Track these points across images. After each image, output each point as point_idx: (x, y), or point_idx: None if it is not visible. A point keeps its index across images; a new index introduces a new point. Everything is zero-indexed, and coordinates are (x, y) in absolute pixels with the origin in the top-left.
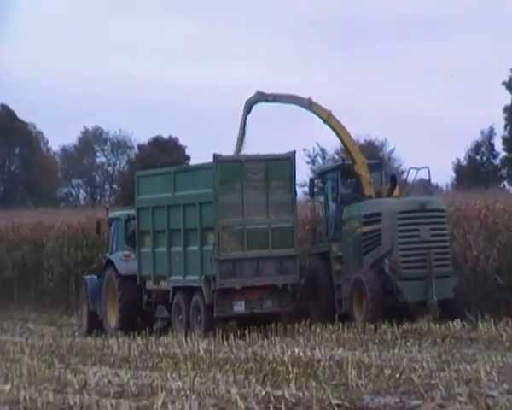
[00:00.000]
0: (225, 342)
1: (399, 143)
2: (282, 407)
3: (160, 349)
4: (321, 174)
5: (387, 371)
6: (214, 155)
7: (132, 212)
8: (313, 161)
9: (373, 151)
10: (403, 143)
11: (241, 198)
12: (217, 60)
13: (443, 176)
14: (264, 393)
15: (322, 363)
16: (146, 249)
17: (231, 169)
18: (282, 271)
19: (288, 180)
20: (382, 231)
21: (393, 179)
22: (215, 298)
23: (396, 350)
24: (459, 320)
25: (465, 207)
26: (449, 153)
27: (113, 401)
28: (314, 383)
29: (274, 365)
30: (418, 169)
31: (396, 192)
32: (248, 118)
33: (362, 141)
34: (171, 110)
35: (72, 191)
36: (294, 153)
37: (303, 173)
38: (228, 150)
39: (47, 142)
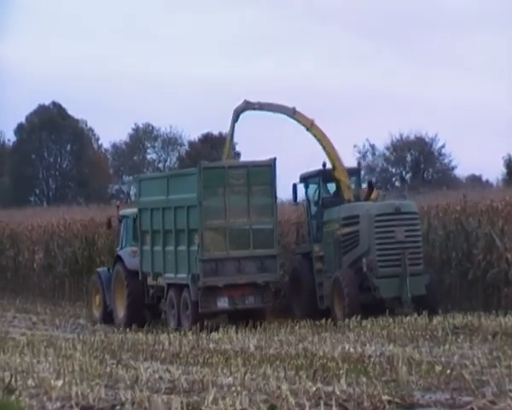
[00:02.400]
0: (276, 338)
1: (450, 138)
2: (333, 402)
3: (211, 345)
4: (304, 179)
5: (438, 368)
6: (198, 162)
7: None
8: (363, 157)
9: (423, 147)
10: (454, 138)
11: (223, 202)
12: (269, 56)
13: (494, 171)
14: (314, 389)
15: (372, 359)
16: (146, 247)
17: (214, 175)
18: (263, 269)
19: (268, 185)
20: (360, 233)
21: (370, 184)
22: (200, 295)
23: (447, 346)
24: (511, 316)
25: None
26: (500, 148)
27: (165, 397)
28: (365, 379)
29: (324, 361)
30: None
31: (373, 196)
32: (236, 125)
33: (412, 136)
34: (222, 107)
35: (124, 188)
36: (275, 159)
37: None
38: (279, 146)
39: (98, 139)
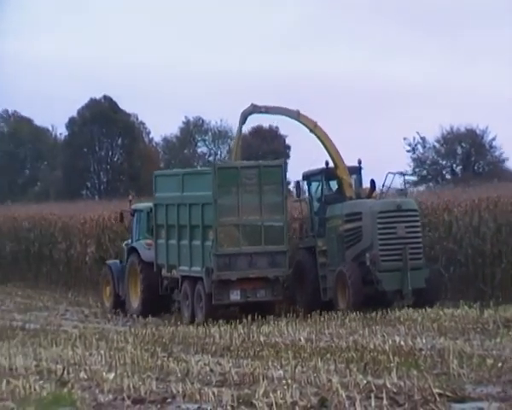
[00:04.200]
0: (326, 331)
1: (501, 130)
2: (384, 396)
3: (262, 338)
4: (307, 177)
5: (489, 361)
6: (213, 162)
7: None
8: (413, 150)
9: (474, 139)
10: (505, 130)
11: (236, 200)
12: (314, 47)
13: None
14: (365, 382)
15: (423, 352)
16: (161, 241)
17: (228, 175)
18: (273, 264)
19: (279, 184)
20: (363, 229)
21: (373, 183)
22: (213, 287)
23: (498, 339)
24: None
25: None
26: None
27: (215, 390)
28: (415, 373)
29: (375, 354)
30: (394, 174)
31: (374, 194)
32: (244, 127)
33: (463, 129)
34: (272, 99)
35: None
36: (285, 160)
37: (403, 162)
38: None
39: (149, 132)
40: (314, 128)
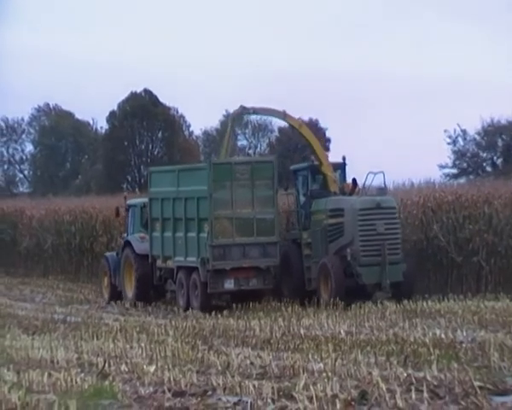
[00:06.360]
0: (366, 324)
1: None
2: (424, 388)
3: (302, 331)
4: (294, 172)
5: None
6: (209, 159)
7: (147, 200)
8: (454, 143)
9: None
10: None
11: (230, 194)
12: (358, 44)
13: None
14: (405, 375)
15: (463, 345)
16: (156, 233)
17: (223, 170)
18: (265, 255)
19: (270, 179)
20: (345, 224)
21: (354, 181)
22: (209, 277)
23: None
24: None
25: None
26: None
27: (256, 383)
28: (456, 365)
29: (415, 346)
30: (375, 174)
31: (356, 191)
32: (234, 128)
33: (503, 121)
34: (311, 93)
35: None
36: (276, 157)
37: (444, 155)
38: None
39: (189, 126)
40: (299, 127)
